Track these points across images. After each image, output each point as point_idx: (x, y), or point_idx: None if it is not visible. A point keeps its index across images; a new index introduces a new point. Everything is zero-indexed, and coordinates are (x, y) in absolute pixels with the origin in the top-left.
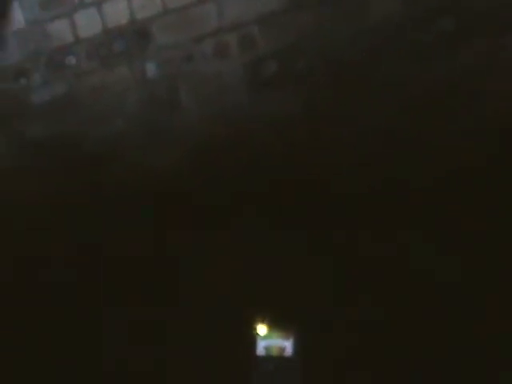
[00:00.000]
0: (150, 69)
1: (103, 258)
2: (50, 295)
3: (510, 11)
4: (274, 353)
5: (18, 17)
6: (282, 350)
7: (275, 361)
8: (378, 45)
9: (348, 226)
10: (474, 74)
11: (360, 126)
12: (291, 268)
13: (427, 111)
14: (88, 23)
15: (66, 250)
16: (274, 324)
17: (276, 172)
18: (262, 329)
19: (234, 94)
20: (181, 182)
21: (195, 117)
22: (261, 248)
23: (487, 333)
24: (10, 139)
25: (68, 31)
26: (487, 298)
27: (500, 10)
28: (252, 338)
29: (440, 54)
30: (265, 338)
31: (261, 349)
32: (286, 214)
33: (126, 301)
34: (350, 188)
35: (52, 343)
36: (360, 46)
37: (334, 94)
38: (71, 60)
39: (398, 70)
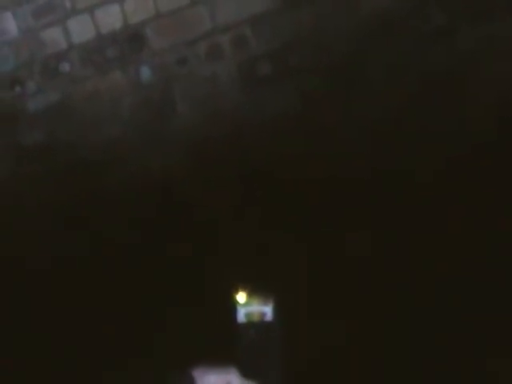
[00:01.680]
0: (145, 73)
1: (104, 261)
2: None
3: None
4: (255, 319)
5: (11, 26)
6: (263, 315)
7: (256, 326)
8: (371, 38)
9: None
10: (468, 62)
11: (357, 121)
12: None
13: (425, 100)
14: (81, 29)
15: (65, 256)
16: (254, 291)
17: (273, 171)
18: (241, 297)
19: (229, 95)
20: (178, 183)
21: (191, 119)
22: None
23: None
24: (5, 147)
25: (61, 38)
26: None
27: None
28: (232, 306)
29: (433, 44)
30: (245, 305)
31: (241, 316)
32: (284, 214)
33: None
34: (349, 186)
35: None
36: (353, 41)
37: (330, 90)
38: (65, 67)
39: (391, 62)
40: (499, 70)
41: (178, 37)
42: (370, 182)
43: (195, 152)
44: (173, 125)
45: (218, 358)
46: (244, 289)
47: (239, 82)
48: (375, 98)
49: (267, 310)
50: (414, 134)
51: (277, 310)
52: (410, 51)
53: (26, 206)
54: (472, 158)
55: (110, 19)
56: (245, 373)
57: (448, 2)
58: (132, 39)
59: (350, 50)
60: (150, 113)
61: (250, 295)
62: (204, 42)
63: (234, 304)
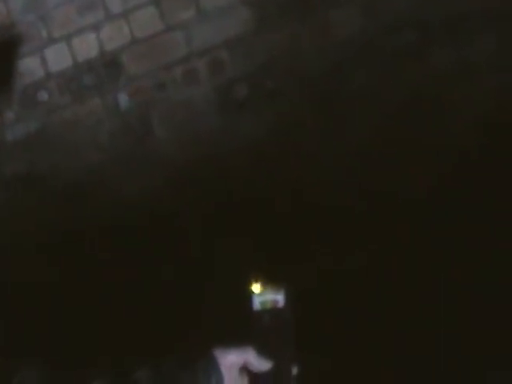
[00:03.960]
0: (122, 99)
1: (89, 285)
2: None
3: (469, 19)
4: (269, 306)
5: None
6: (275, 302)
7: (270, 312)
8: (346, 60)
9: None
10: (442, 82)
11: (335, 140)
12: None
13: (401, 120)
14: (58, 58)
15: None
16: (267, 281)
17: (252, 192)
18: (256, 287)
19: (206, 119)
20: (158, 207)
21: (169, 143)
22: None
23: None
24: None
25: (38, 67)
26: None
27: (459, 18)
28: (248, 295)
29: (406, 64)
30: (259, 294)
31: (256, 304)
32: (263, 235)
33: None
34: (331, 203)
35: None
36: (329, 63)
37: (306, 112)
38: (43, 96)
39: (368, 81)
40: (474, 89)
41: (155, 62)
42: (350, 203)
43: (174, 176)
44: (151, 149)
45: (236, 341)
46: (258, 280)
47: (216, 106)
48: (352, 118)
49: (279, 298)
50: (394, 152)
51: (288, 298)
52: (385, 71)
53: (8, 233)
54: (452, 173)
55: (87, 47)
56: (261, 352)
57: (420, 24)
58: (109, 66)
59: (326, 71)
60: (128, 138)
61: (263, 285)
62: (180, 67)
63: (249, 293)
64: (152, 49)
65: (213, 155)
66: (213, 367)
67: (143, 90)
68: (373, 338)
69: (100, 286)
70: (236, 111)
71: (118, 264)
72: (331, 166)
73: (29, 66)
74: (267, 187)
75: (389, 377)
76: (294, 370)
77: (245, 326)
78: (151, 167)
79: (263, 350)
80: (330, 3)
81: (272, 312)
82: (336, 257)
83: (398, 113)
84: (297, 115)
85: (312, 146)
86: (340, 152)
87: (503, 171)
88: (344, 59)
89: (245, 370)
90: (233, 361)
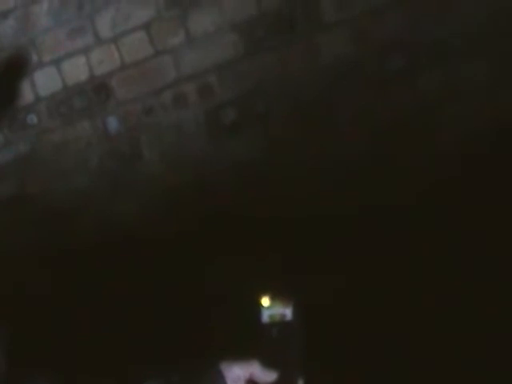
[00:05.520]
0: (111, 123)
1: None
2: None
3: (457, 43)
4: (277, 319)
5: None
6: (283, 316)
7: (278, 326)
8: (335, 82)
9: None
10: (430, 102)
11: (325, 162)
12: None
13: (391, 141)
14: (47, 82)
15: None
16: (275, 296)
17: (241, 215)
18: (265, 301)
19: (195, 143)
20: (146, 231)
21: (158, 167)
22: None
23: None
24: None
25: (28, 91)
26: None
27: (449, 40)
28: (258, 308)
29: (395, 87)
30: (268, 308)
31: (265, 317)
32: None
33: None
34: (321, 224)
35: None
36: (317, 86)
37: (295, 135)
38: (32, 119)
39: (356, 104)
40: (461, 110)
41: (144, 86)
42: (341, 221)
43: (163, 199)
44: (140, 173)
45: (244, 354)
46: (268, 294)
47: (205, 130)
48: (342, 140)
49: (287, 312)
50: (382, 172)
51: (296, 312)
52: (374, 95)
53: None
54: (438, 192)
55: (76, 71)
56: (267, 365)
57: (408, 47)
58: (98, 90)
59: (315, 94)
60: (117, 162)
61: (272, 300)
62: (169, 91)
63: (259, 307)
64: (141, 73)
65: (201, 178)
66: (219, 380)
67: (132, 114)
68: (379, 350)
69: (102, 299)
70: (225, 135)
71: (118, 279)
72: (321, 189)
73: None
74: (255, 209)
75: None
76: (300, 383)
77: (253, 339)
78: (140, 190)
79: (270, 363)
80: (318, 27)
81: (280, 325)
82: (336, 270)
83: (386, 134)
84: (286, 139)
85: (301, 169)
86: (330, 174)
87: (487, 189)
88: (333, 82)
89: (251, 382)
90: (238, 374)
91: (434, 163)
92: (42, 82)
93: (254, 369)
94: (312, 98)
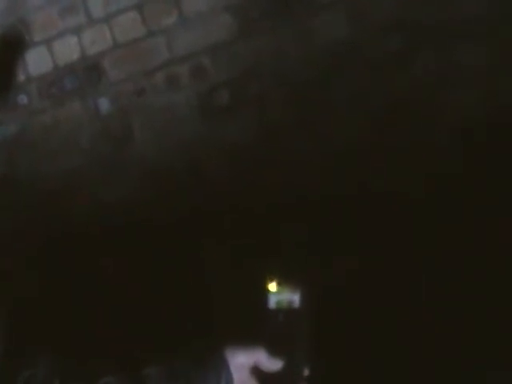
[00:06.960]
0: (103, 104)
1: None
2: None
3: (458, 24)
4: (284, 306)
5: None
6: (291, 303)
7: (285, 312)
8: (330, 64)
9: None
10: (429, 88)
11: (321, 145)
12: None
13: (387, 124)
14: (38, 61)
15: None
16: (283, 281)
17: (235, 199)
18: (272, 286)
19: (188, 125)
20: (138, 213)
21: (150, 149)
22: None
23: None
24: None
25: (19, 70)
26: None
27: (448, 23)
28: (264, 294)
29: (392, 69)
30: (275, 293)
31: (272, 303)
32: (245, 242)
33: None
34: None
35: None
36: (313, 69)
37: (290, 117)
38: (23, 99)
39: (353, 86)
40: (460, 96)
41: (136, 67)
42: (336, 207)
43: (154, 181)
44: (131, 154)
45: (249, 340)
46: (275, 280)
47: (198, 112)
48: (338, 124)
49: (295, 298)
50: (379, 158)
51: (303, 299)
52: (371, 78)
53: None
54: (438, 180)
55: (68, 51)
56: (273, 352)
57: (406, 28)
58: (90, 70)
59: (311, 76)
60: (108, 143)
61: (280, 285)
62: (162, 72)
63: (266, 292)
64: (133, 54)
65: (195, 161)
66: (223, 367)
67: (124, 95)
68: (385, 341)
69: (98, 282)
70: (218, 117)
71: (114, 262)
72: (317, 172)
73: None
74: (249, 192)
75: (399, 378)
76: (306, 371)
77: (259, 325)
78: (131, 172)
79: (276, 349)
80: (313, 8)
81: (287, 312)
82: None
83: (384, 117)
84: (281, 121)
85: (297, 151)
86: (326, 157)
87: (485, 177)
88: (328, 64)
89: (256, 370)
90: (243, 361)
91: (434, 145)
92: (33, 62)
93: (260, 356)
94: (308, 79)
